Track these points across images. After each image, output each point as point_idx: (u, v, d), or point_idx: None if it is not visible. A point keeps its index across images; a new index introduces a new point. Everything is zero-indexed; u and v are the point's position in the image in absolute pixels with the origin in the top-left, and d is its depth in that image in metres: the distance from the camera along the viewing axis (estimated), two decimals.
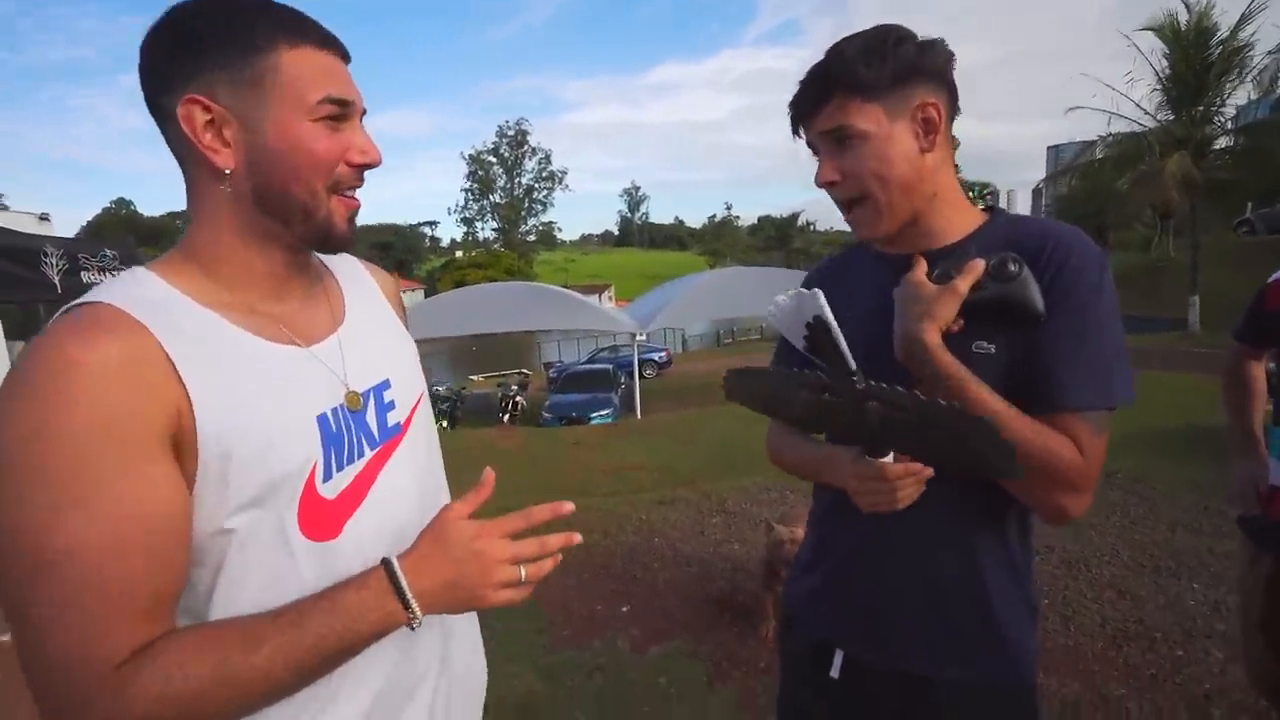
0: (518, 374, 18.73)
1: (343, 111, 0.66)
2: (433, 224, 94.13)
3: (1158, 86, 13.64)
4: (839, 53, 0.85)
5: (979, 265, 0.82)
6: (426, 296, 44.82)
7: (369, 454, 0.71)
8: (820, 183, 0.89)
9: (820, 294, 0.85)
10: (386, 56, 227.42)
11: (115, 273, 5.24)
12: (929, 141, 0.86)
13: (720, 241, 63.93)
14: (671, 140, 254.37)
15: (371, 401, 0.73)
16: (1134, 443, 5.00)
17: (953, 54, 0.87)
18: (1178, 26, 13.04)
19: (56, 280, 3.53)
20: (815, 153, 0.91)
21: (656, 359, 18.98)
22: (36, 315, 4.27)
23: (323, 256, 0.79)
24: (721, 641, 2.75)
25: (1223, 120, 13.81)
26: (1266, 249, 17.59)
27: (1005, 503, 0.88)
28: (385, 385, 0.75)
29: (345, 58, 0.69)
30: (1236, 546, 3.27)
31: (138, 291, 0.62)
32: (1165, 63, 13.37)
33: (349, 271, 0.83)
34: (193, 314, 0.63)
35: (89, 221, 69.70)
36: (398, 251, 79.89)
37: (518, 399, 13.49)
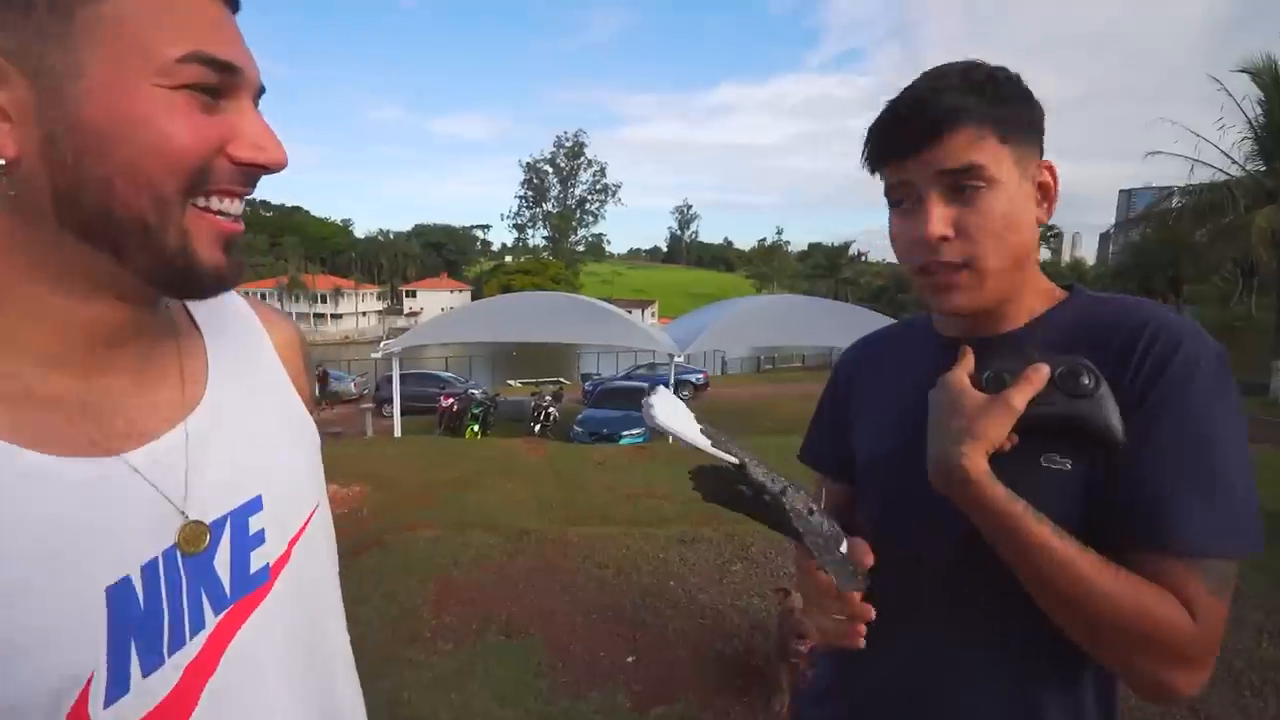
0: (554, 384, 18.82)
1: (222, 80, 0.43)
2: (485, 228, 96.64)
3: (1249, 134, 12.85)
4: (968, 75, 0.67)
5: (1043, 373, 0.64)
6: (473, 299, 46.27)
7: (210, 626, 0.46)
8: (927, 236, 0.67)
9: (661, 396, 0.68)
10: (450, 59, 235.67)
11: None
12: (1044, 209, 0.71)
13: (768, 265, 63.37)
14: (726, 161, 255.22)
15: (227, 536, 0.48)
16: None
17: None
18: (1276, 69, 12.26)
19: None
20: (897, 199, 0.71)
21: (694, 380, 18.76)
22: None
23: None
24: (729, 710, 2.52)
25: None
26: None
27: (1081, 658, 0.67)
28: (253, 507, 0.50)
29: (232, 3, 0.45)
30: None
31: None
32: (1259, 109, 12.60)
33: (224, 321, 0.56)
34: None
35: None
36: (449, 252, 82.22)
37: (550, 409, 13.44)
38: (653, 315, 50.60)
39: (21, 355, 0.42)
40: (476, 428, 13.11)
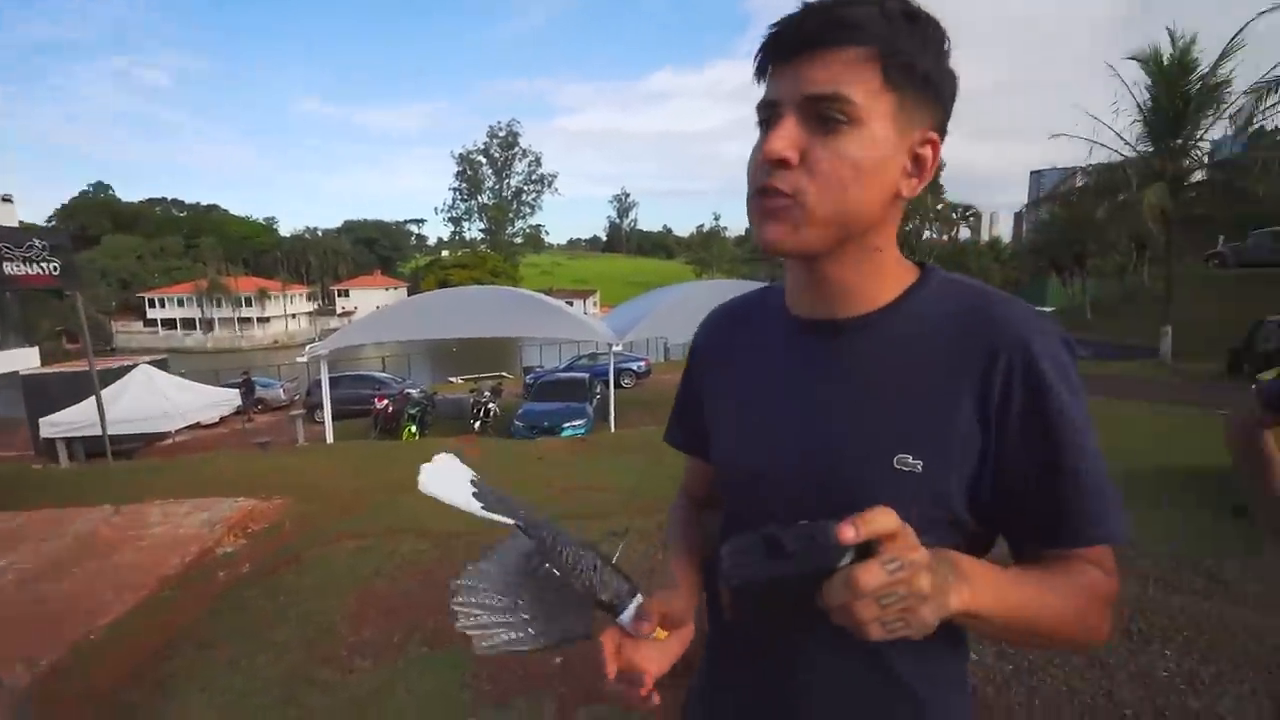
0: (493, 379, 18.45)
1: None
2: (419, 222, 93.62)
3: (1139, 118, 13.81)
4: (885, 2, 0.59)
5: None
6: (410, 295, 44.74)
7: None
8: (766, 153, 0.60)
9: (432, 465, 0.70)
10: (379, 51, 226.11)
11: (44, 264, 4.94)
12: (911, 184, 0.63)
13: (708, 251, 64.08)
14: (663, 149, 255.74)
15: None
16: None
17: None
18: (1160, 59, 13.21)
19: None
20: (764, 119, 0.63)
21: (635, 368, 18.78)
22: None
23: None
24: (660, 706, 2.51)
25: (1199, 155, 14.03)
26: (1237, 282, 17.93)
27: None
28: None
29: None
30: (1211, 607, 3.16)
31: None
32: (1148, 94, 13.55)
33: None
34: None
35: (63, 205, 67.74)
36: (382, 249, 79.21)
37: (490, 405, 13.19)
38: (594, 305, 50.37)
39: None
40: (414, 429, 12.74)
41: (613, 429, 11.28)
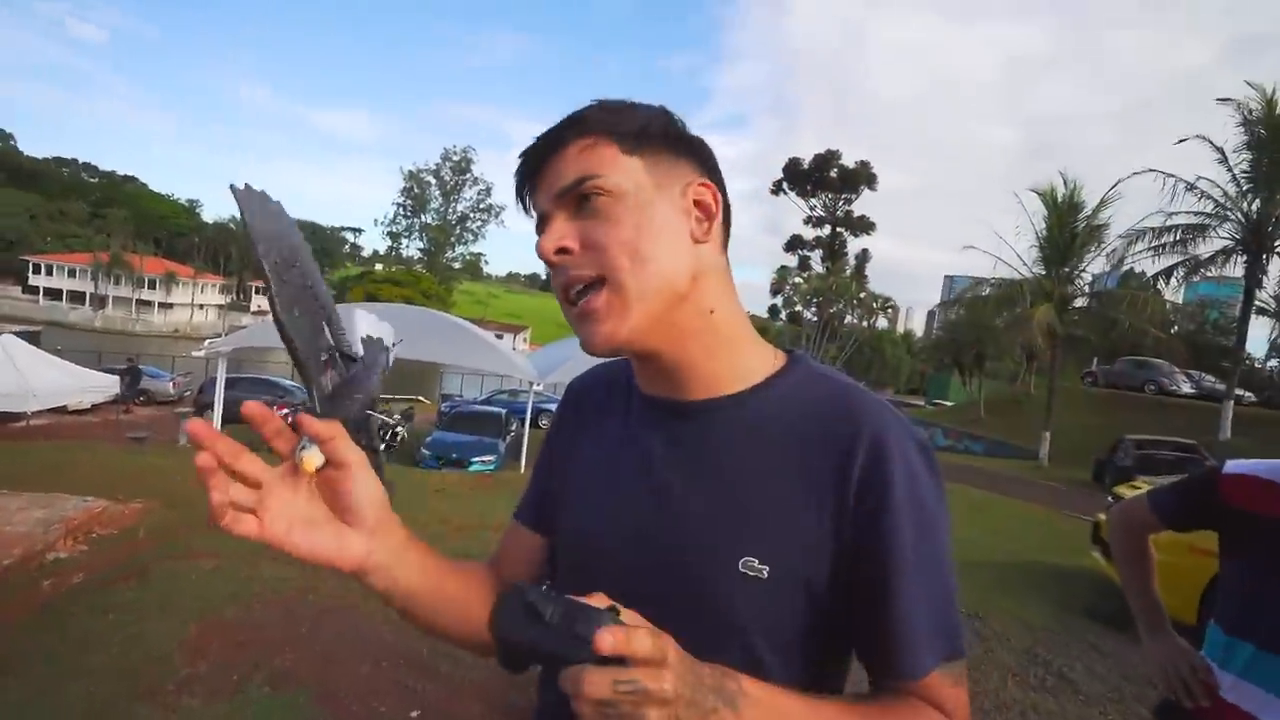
0: (407, 401, 17.74)
1: None
2: (356, 231, 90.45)
3: (1036, 243, 15.56)
4: (598, 102, 0.64)
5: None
6: (336, 304, 42.49)
7: None
8: (546, 253, 0.60)
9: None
10: (342, 51, 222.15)
11: None
12: (702, 227, 0.63)
13: None
14: None
15: None
16: (980, 571, 5.21)
17: (711, 151, 0.67)
18: (1054, 195, 15.05)
19: None
20: (541, 232, 0.64)
21: (554, 409, 18.58)
22: None
23: None
24: None
25: (1082, 283, 15.90)
26: (1105, 399, 20.02)
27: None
28: None
29: None
30: (1057, 705, 3.39)
31: None
32: (1044, 224, 15.33)
33: None
34: None
35: None
36: (312, 252, 75.72)
37: (398, 429, 12.65)
38: (524, 341, 49.84)
39: None
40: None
41: (523, 469, 11.04)
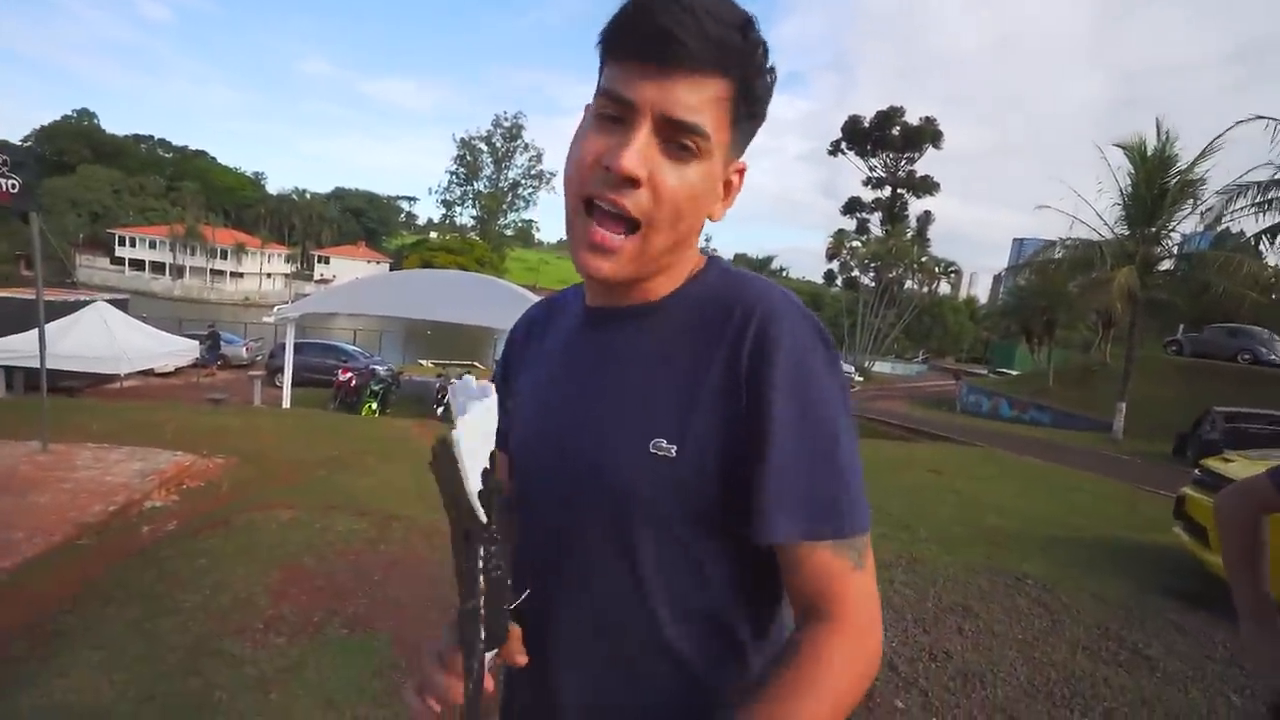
0: (463, 366, 18.24)
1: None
2: (411, 199, 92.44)
3: (1119, 201, 14.36)
4: (748, 29, 0.58)
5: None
6: (391, 271, 44.08)
7: None
8: (619, 166, 0.56)
9: (469, 390, 0.59)
10: (394, 20, 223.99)
11: (2, 180, 4.75)
12: (721, 207, 0.66)
13: None
14: None
15: None
16: (1052, 546, 5.00)
17: None
18: (1144, 149, 13.79)
19: None
20: (610, 113, 0.59)
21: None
22: None
23: None
24: None
25: (1169, 245, 14.63)
26: (1190, 370, 18.66)
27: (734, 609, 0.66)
28: None
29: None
30: (1132, 680, 3.23)
31: None
32: (1129, 181, 14.11)
33: None
34: None
35: (41, 127, 65.15)
36: (369, 220, 77.98)
37: None
38: None
39: None
40: (375, 405, 12.53)
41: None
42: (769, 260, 68.15)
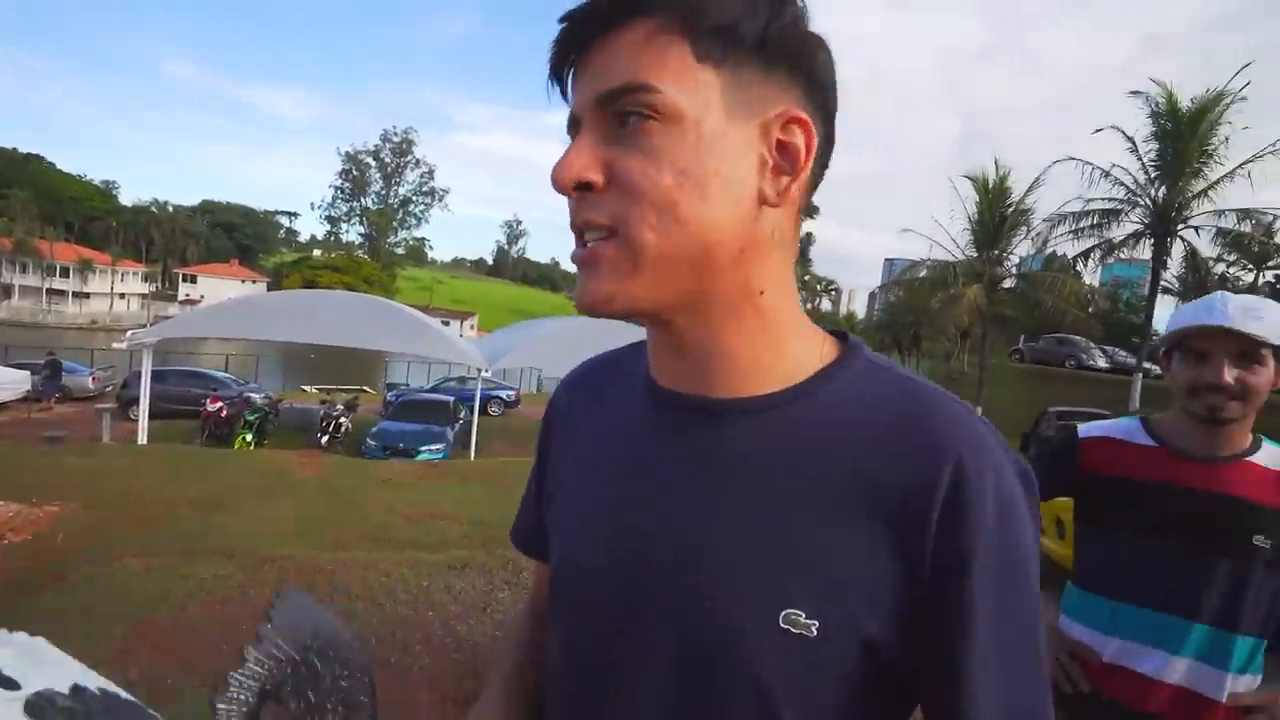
0: (351, 392, 17.22)
1: None
2: (292, 215, 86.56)
3: (968, 226, 16.46)
4: None
5: None
6: (269, 291, 40.82)
7: None
8: (561, 184, 0.46)
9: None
10: (270, 21, 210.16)
11: None
12: (779, 184, 0.46)
13: None
14: None
15: None
16: None
17: (833, 58, 0.49)
18: (985, 182, 15.94)
19: None
20: (571, 135, 0.49)
21: (504, 396, 18.42)
22: None
23: None
24: None
25: (1009, 265, 16.93)
26: (1030, 375, 21.37)
27: None
28: None
29: None
30: None
31: None
32: (975, 208, 16.20)
33: None
34: None
35: None
36: (244, 237, 72.02)
37: (341, 419, 12.29)
38: (472, 328, 49.02)
39: None
40: (250, 437, 11.53)
41: (472, 457, 10.93)
42: None
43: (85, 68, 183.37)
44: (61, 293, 49.91)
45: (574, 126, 0.48)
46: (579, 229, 0.47)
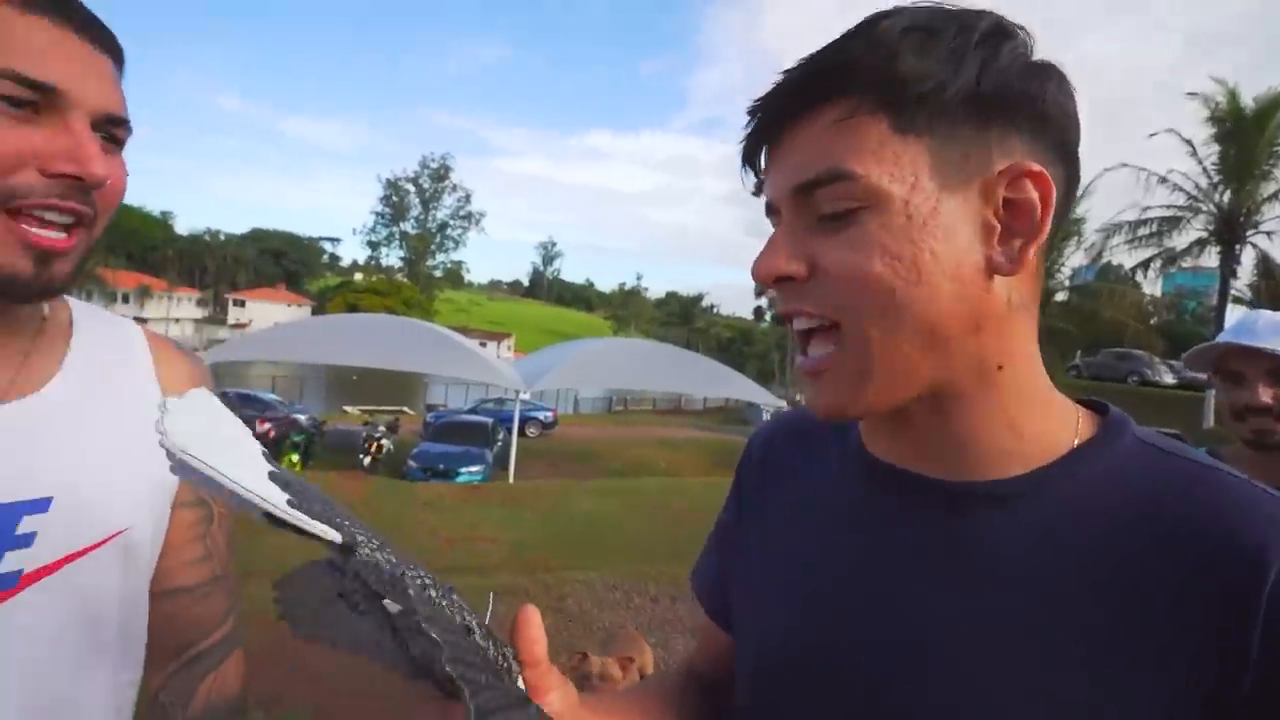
0: (392, 413, 17.53)
1: (37, 98, 0.48)
2: (335, 241, 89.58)
3: None
4: (867, 33, 0.41)
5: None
6: (314, 315, 42.23)
7: None
8: (762, 278, 0.44)
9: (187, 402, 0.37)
10: (312, 56, 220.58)
11: None
12: (1011, 249, 0.42)
13: (627, 309, 65.43)
14: (594, 204, 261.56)
15: None
16: None
17: (1069, 84, 0.43)
18: None
19: None
20: (773, 222, 0.47)
21: (542, 418, 18.49)
22: None
23: (77, 308, 0.62)
24: None
25: (1062, 277, 16.21)
26: (1090, 391, 20.08)
27: None
28: (34, 507, 0.51)
29: (83, 30, 0.50)
30: None
31: None
32: None
33: (102, 339, 0.61)
34: None
35: None
36: (290, 263, 74.86)
37: (383, 441, 12.47)
38: (509, 349, 49.69)
39: None
40: (296, 458, 11.80)
41: (511, 479, 10.95)
42: (700, 298, 69.89)
43: (144, 100, 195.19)
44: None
45: (772, 214, 0.46)
46: (788, 317, 0.45)
